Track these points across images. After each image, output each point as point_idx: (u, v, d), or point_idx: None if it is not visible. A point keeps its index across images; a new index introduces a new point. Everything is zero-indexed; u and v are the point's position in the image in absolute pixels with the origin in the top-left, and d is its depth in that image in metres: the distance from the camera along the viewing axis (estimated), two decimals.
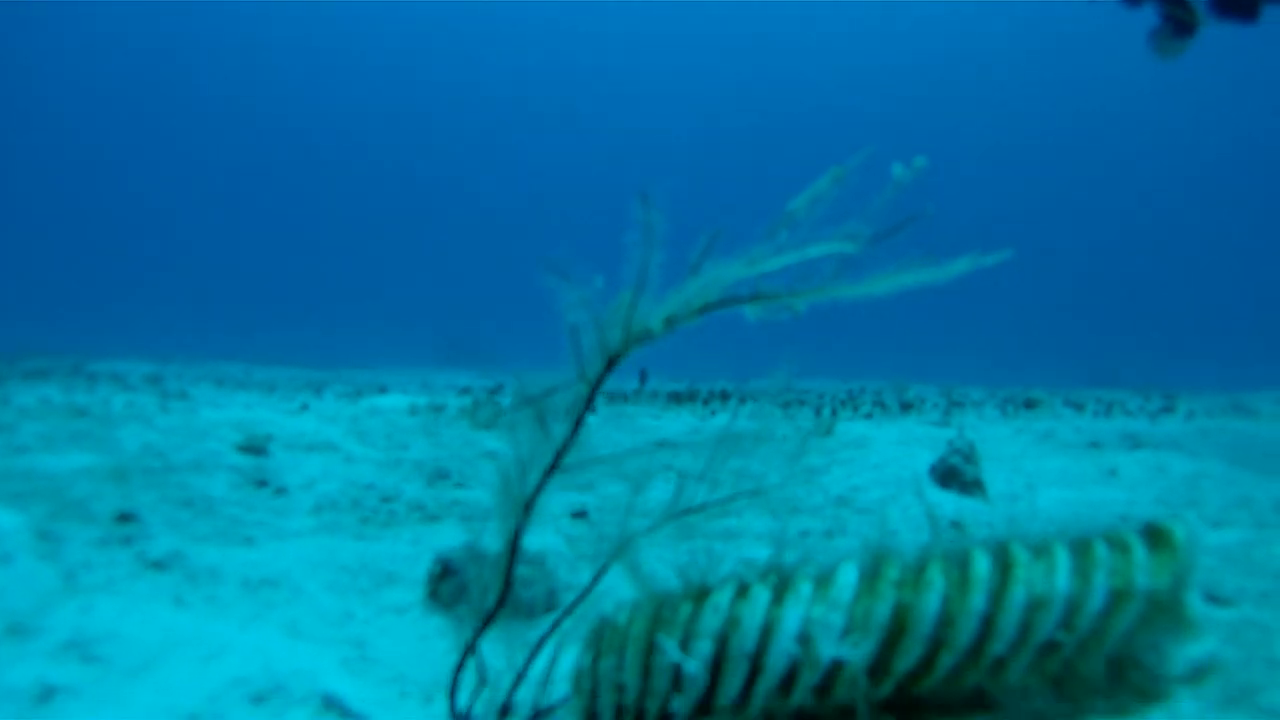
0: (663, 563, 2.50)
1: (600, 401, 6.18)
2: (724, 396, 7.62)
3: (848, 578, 1.66)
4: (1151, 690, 1.83)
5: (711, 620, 1.63)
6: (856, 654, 1.58)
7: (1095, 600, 1.69)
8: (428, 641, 2.59)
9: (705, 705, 1.63)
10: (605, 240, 1.52)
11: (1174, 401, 8.95)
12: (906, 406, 8.32)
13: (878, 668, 1.61)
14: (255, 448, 3.98)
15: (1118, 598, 1.70)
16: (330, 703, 1.96)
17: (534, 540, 3.40)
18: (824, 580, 1.67)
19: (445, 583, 3.04)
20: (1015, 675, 1.69)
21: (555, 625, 1.79)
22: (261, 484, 3.69)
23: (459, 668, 1.80)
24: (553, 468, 1.69)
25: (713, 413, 6.50)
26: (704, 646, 1.60)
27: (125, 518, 3.15)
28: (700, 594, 1.69)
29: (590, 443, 1.81)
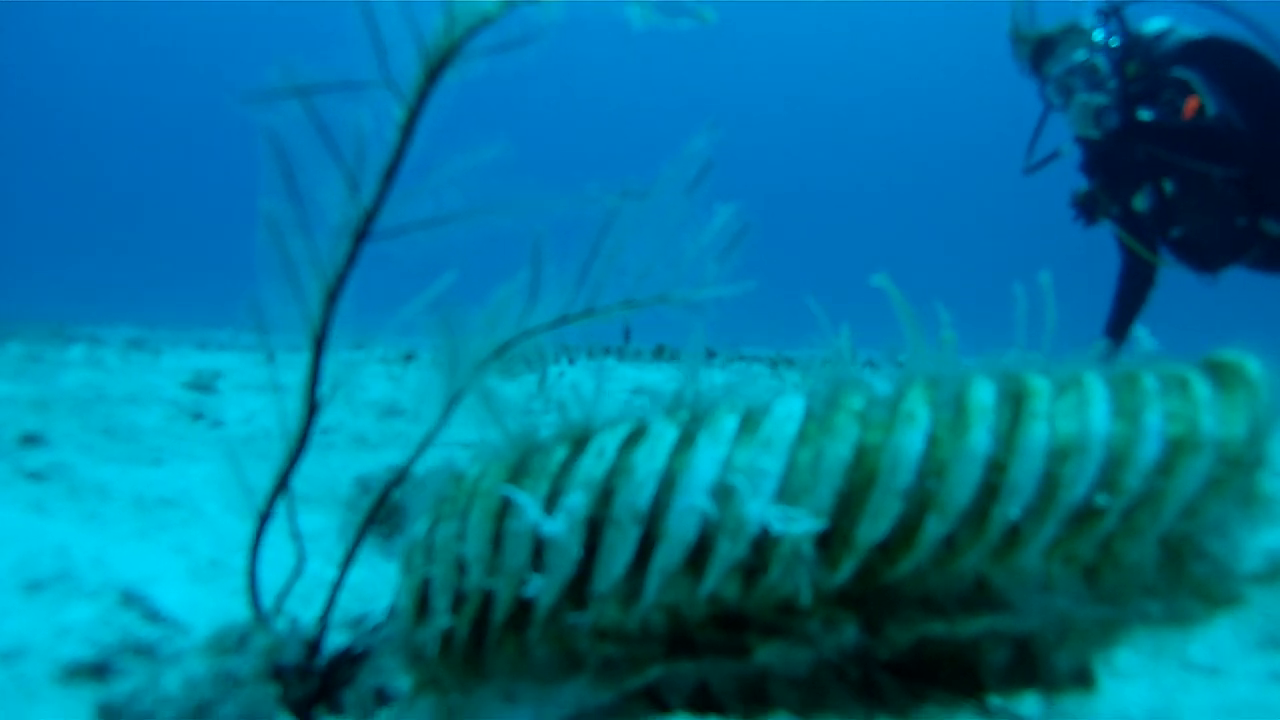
0: None
1: (580, 355, 5.57)
2: (710, 355, 6.96)
3: (789, 408, 1.02)
4: (1218, 591, 1.19)
5: (592, 467, 1.00)
6: (800, 515, 0.95)
7: (1147, 449, 1.05)
8: (322, 562, 1.99)
9: (578, 591, 1.00)
10: None
11: None
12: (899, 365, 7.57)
13: (833, 538, 0.98)
14: (202, 385, 3.39)
15: (1177, 448, 1.06)
16: (131, 598, 1.35)
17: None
18: (756, 414, 1.03)
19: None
20: (1033, 558, 1.05)
21: (386, 490, 1.17)
22: (198, 417, 3.09)
23: (255, 544, 1.19)
24: None
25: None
26: (576, 501, 0.97)
27: (30, 439, 2.56)
28: (583, 438, 1.06)
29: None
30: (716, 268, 1.11)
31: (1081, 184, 4.79)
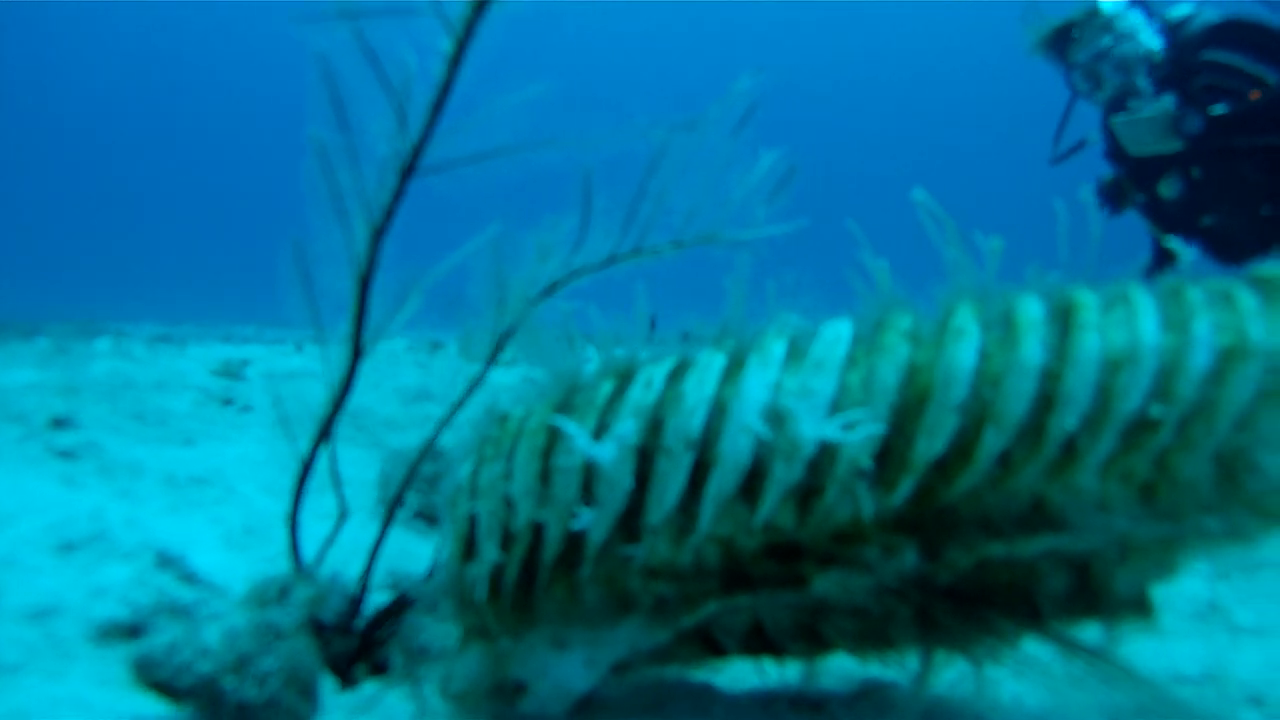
0: None
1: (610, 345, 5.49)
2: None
3: (837, 331, 0.98)
4: (1274, 506, 1.14)
5: (641, 397, 0.96)
6: (859, 419, 0.90)
7: (1198, 358, 1.00)
8: (354, 535, 1.95)
9: (630, 524, 0.96)
10: None
11: None
12: None
13: (889, 456, 0.93)
14: (230, 372, 3.36)
15: (1227, 357, 1.01)
16: (167, 560, 1.31)
17: None
18: (803, 339, 0.99)
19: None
20: (1090, 474, 1.01)
21: (437, 430, 1.13)
22: (227, 402, 3.06)
23: (298, 490, 1.15)
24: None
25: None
26: (626, 428, 0.93)
27: (60, 422, 2.52)
28: (628, 372, 1.02)
29: None
30: (764, 209, 1.06)
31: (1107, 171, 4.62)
